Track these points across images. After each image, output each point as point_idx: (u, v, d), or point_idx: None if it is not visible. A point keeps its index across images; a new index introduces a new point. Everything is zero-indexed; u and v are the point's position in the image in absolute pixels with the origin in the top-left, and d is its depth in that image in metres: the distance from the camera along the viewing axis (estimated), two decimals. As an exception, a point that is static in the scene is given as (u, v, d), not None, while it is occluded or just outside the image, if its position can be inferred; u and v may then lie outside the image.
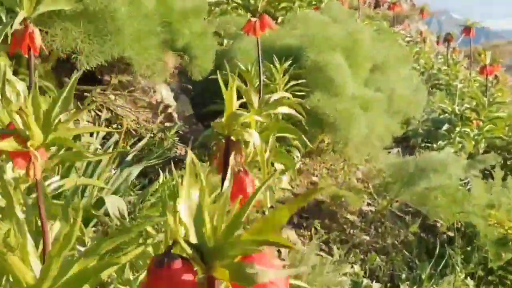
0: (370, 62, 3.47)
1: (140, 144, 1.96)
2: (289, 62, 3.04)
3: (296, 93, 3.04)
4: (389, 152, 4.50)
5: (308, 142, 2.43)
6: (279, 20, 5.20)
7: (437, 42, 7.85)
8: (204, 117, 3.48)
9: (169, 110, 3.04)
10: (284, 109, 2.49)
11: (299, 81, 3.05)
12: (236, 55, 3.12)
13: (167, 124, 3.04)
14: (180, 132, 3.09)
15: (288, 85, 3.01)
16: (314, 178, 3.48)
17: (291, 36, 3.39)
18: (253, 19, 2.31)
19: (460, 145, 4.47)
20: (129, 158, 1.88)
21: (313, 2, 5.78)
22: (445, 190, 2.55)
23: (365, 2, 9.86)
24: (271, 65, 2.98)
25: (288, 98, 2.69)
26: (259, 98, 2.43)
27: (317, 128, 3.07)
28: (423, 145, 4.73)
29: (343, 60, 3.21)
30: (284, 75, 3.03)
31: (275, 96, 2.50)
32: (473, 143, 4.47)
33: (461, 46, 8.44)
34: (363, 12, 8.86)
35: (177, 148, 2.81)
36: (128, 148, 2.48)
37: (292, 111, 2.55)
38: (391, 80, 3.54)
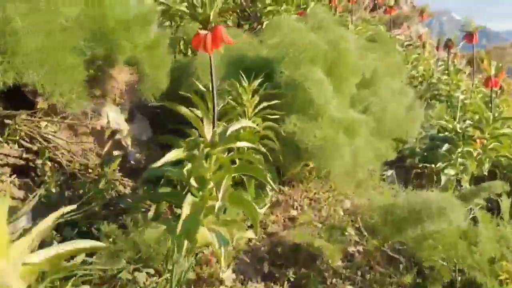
0: (358, 76, 3.00)
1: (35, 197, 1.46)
2: (259, 80, 2.58)
3: (269, 116, 2.58)
4: (383, 175, 4.03)
5: (272, 184, 1.95)
6: (264, 25, 4.74)
7: (437, 48, 7.35)
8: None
9: (118, 136, 2.56)
10: (243, 144, 2.03)
11: (272, 102, 2.58)
12: (197, 70, 2.65)
13: (116, 153, 2.57)
14: (132, 162, 2.62)
15: (259, 107, 2.54)
16: (293, 212, 3.00)
17: (267, 47, 2.92)
18: (203, 32, 1.84)
19: (462, 167, 3.99)
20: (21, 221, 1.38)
21: (302, 6, 5.32)
22: (444, 238, 2.08)
23: (364, 3, 9.40)
24: (238, 84, 2.51)
25: (253, 127, 2.22)
26: (213, 128, 1.96)
27: (294, 157, 2.60)
28: (420, 165, 4.26)
29: (324, 75, 2.74)
30: (254, 95, 2.56)
31: (234, 126, 2.03)
32: (476, 163, 4.00)
33: (462, 50, 7.95)
34: (359, 16, 8.39)
35: (123, 185, 2.34)
36: (53, 190, 2.01)
37: (255, 146, 2.08)
38: (382, 97, 3.06)
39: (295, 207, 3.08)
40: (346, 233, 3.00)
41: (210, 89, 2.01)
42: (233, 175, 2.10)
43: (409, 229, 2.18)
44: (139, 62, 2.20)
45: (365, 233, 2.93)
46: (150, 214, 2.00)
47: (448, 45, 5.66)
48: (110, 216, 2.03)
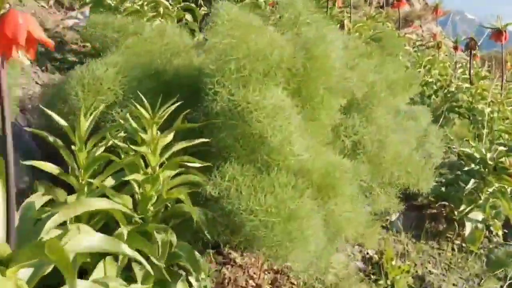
0: (344, 95, 1.99)
1: None
2: (175, 105, 1.59)
3: (191, 164, 1.59)
4: (387, 220, 3.02)
5: None
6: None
7: (455, 48, 6.28)
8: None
9: None
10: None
11: (195, 142, 1.59)
12: (77, 89, 1.66)
13: None
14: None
15: (172, 151, 1.54)
16: (245, 299, 2.01)
17: (205, 51, 1.92)
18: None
19: (494, 210, 2.97)
20: None
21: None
22: None
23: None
24: (135, 110, 1.52)
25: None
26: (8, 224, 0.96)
27: (230, 230, 1.60)
28: (437, 203, 3.24)
29: (288, 97, 1.74)
30: (163, 130, 1.56)
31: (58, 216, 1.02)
32: (513, 206, 2.98)
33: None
34: (364, 12, 7.37)
35: None
36: None
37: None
38: (380, 125, 2.05)
39: (250, 289, 2.08)
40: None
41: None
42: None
43: None
44: None
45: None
46: None
47: (470, 46, 4.61)
48: None
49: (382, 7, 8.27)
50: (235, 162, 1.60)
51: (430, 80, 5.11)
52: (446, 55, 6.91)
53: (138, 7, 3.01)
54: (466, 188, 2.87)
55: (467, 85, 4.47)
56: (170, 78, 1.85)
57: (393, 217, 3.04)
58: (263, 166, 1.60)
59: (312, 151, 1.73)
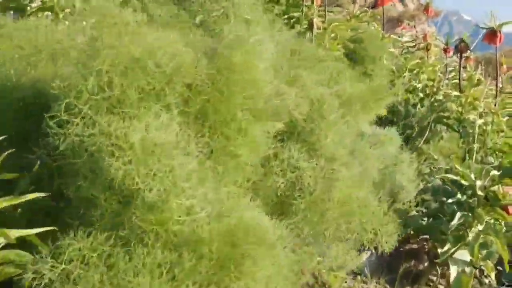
0: (276, 119, 1.46)
1: None
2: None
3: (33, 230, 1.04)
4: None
5: None
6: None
7: (445, 50, 5.75)
8: None
9: None
10: None
11: (25, 198, 1.05)
12: None
13: None
14: None
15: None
16: None
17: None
18: None
19: (485, 250, 2.44)
20: None
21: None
22: None
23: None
24: None
25: None
26: None
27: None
28: (417, 237, 2.70)
29: (183, 123, 1.21)
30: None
31: None
32: (507, 244, 2.45)
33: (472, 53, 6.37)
34: (348, 11, 6.84)
35: None
36: None
37: None
38: (329, 156, 1.52)
39: None
40: None
41: None
42: None
43: None
44: None
45: None
46: None
47: (460, 48, 4.08)
48: None
49: (372, 6, 7.74)
50: (93, 226, 1.07)
51: (418, 85, 4.58)
52: (438, 58, 6.40)
53: (55, 2, 2.47)
54: (452, 224, 2.33)
55: (457, 92, 3.93)
56: (27, 96, 1.31)
57: (365, 257, 2.50)
58: (133, 234, 1.06)
59: (219, 203, 1.19)
